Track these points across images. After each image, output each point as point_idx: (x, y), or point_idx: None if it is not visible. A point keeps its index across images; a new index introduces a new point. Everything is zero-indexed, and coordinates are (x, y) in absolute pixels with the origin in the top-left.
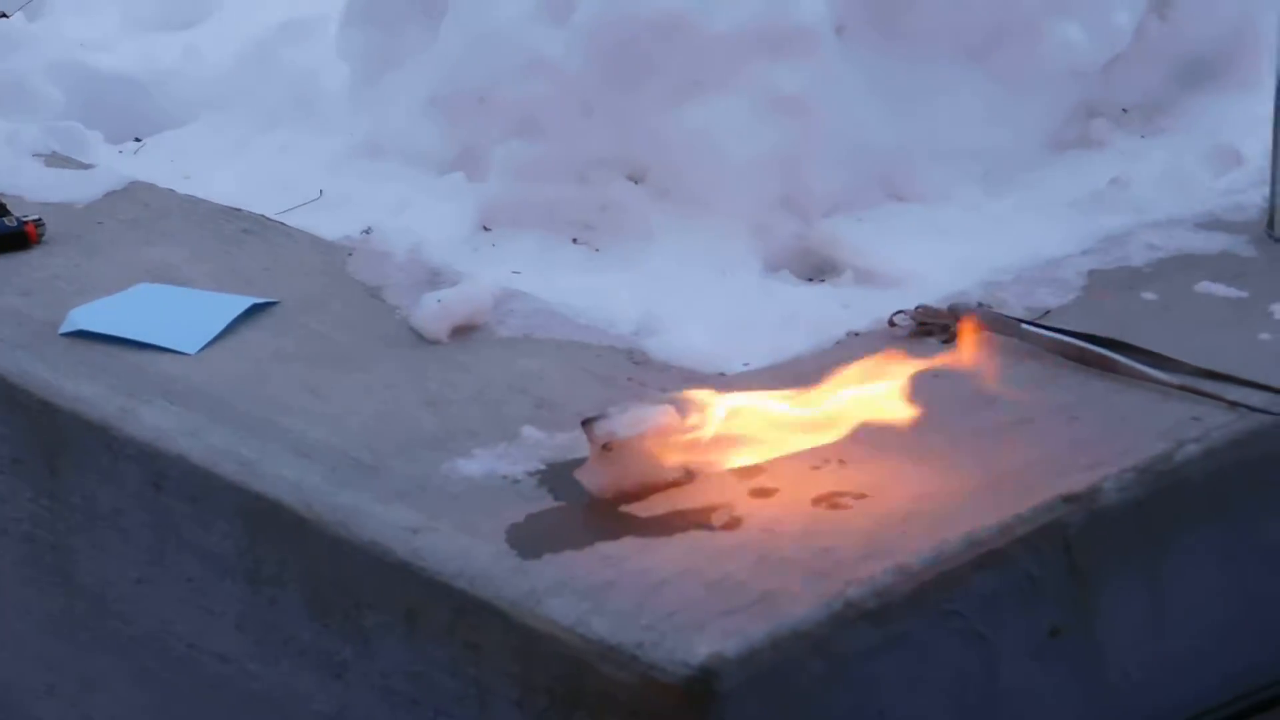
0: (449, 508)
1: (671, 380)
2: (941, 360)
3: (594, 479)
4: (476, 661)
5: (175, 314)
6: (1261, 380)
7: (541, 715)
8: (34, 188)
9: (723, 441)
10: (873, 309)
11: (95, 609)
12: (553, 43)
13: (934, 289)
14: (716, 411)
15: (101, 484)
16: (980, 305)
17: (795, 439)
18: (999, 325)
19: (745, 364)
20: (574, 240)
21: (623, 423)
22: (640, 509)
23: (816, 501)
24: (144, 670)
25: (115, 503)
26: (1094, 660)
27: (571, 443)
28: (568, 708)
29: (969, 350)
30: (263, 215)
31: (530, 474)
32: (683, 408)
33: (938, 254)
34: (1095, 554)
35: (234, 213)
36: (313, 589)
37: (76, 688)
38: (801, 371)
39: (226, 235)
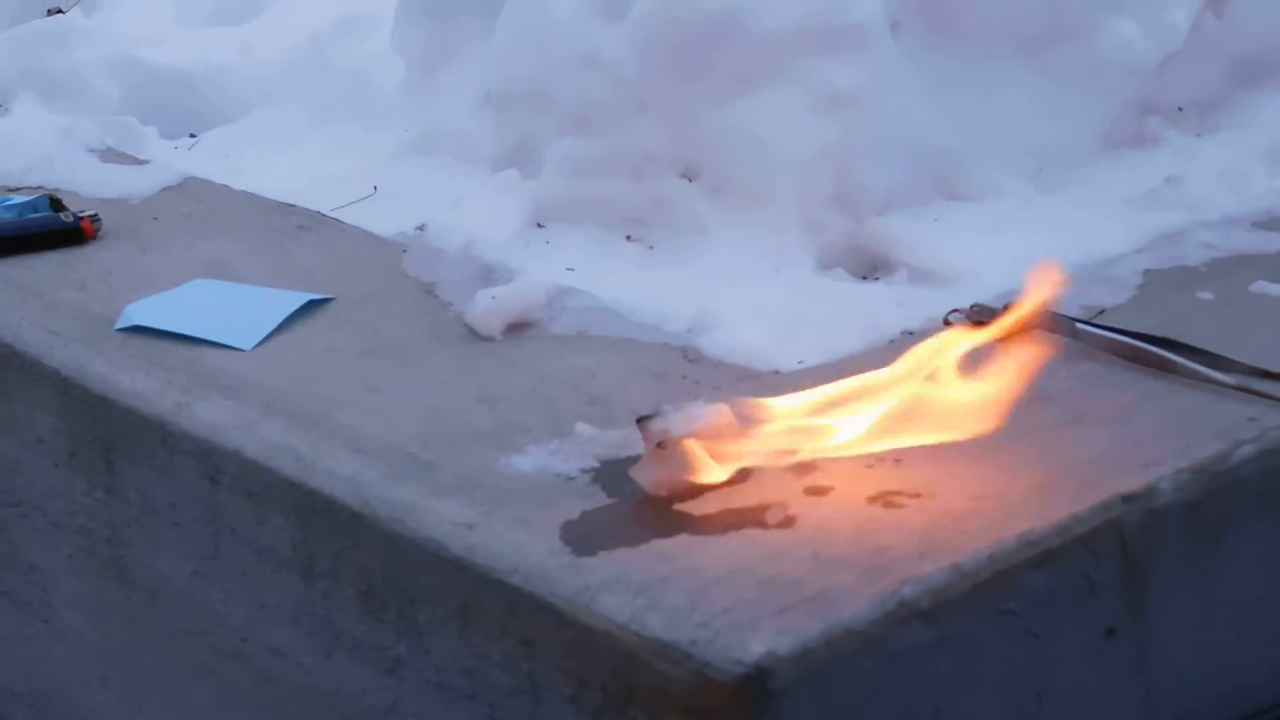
0: (503, 504)
1: (725, 378)
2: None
3: (648, 476)
4: (530, 657)
5: (231, 310)
6: None
7: (595, 711)
8: (89, 183)
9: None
10: (927, 307)
11: (149, 602)
12: (607, 40)
13: (988, 287)
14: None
15: (157, 478)
16: None
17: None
18: (1055, 324)
19: (800, 361)
20: (628, 237)
21: (677, 421)
22: (694, 507)
23: (871, 500)
24: (197, 663)
25: (170, 497)
26: (1148, 660)
27: (625, 440)
28: (622, 704)
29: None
30: (318, 211)
31: (584, 471)
32: (737, 408)
33: (992, 252)
34: (1151, 554)
35: (289, 208)
36: (367, 584)
37: (130, 680)
38: (856, 370)
39: (282, 231)
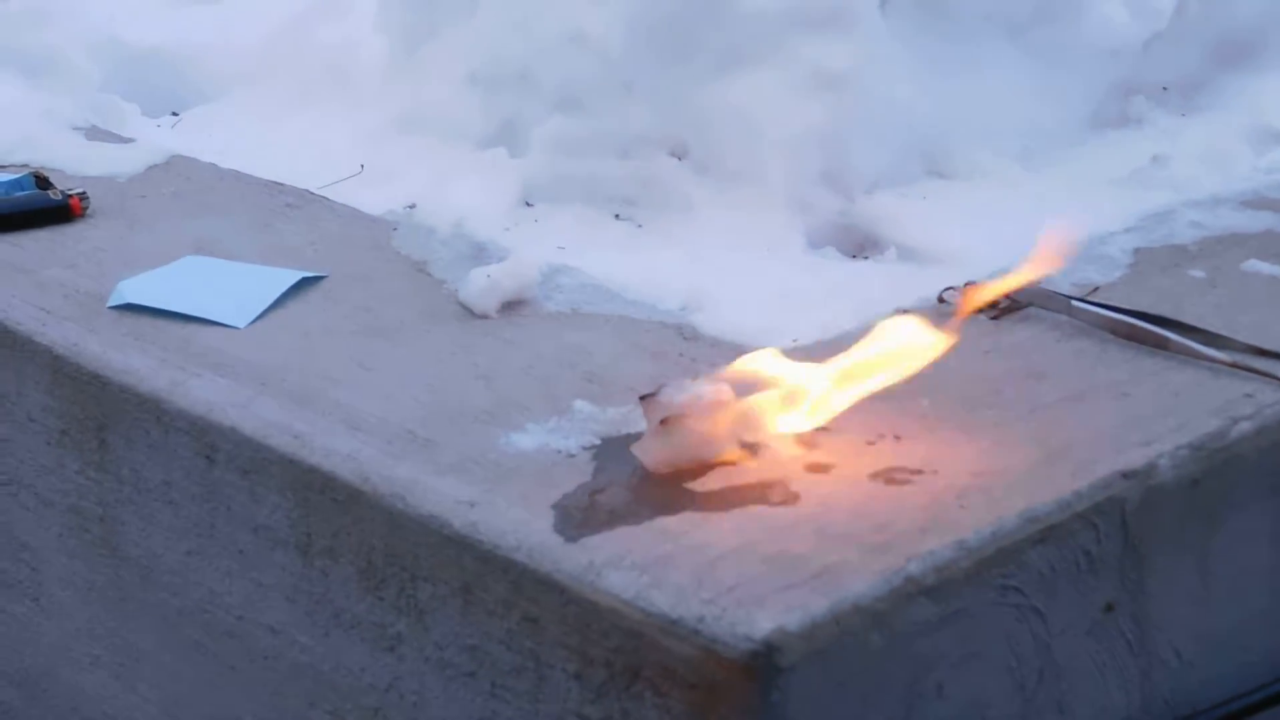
0: (504, 481)
1: (722, 355)
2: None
3: (651, 453)
4: (534, 634)
5: (223, 287)
6: None
7: (600, 688)
8: (74, 161)
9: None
10: (917, 286)
11: (143, 580)
12: (595, 17)
13: (978, 265)
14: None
15: (151, 456)
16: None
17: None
18: (1049, 302)
19: (794, 340)
20: (616, 216)
21: (680, 398)
22: (697, 484)
23: (873, 477)
24: (191, 641)
25: (165, 475)
26: (1146, 636)
27: (623, 417)
28: (627, 680)
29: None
30: (306, 189)
31: (585, 448)
32: (739, 384)
33: (981, 230)
34: (1150, 530)
35: (277, 187)
36: (366, 561)
37: (122, 659)
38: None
39: (270, 209)
